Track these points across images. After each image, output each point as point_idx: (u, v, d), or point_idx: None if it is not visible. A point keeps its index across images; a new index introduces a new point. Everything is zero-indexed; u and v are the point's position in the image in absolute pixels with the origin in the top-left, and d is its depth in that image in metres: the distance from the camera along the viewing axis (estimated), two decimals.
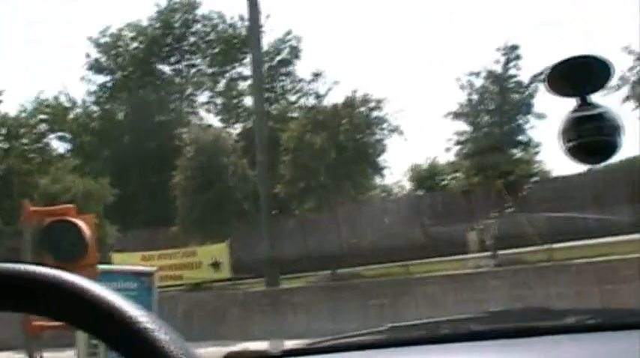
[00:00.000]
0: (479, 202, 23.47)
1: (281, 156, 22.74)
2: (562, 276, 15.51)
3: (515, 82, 24.81)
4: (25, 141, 36.40)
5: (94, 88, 39.67)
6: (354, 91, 23.21)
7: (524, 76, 24.72)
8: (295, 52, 38.16)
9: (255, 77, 24.80)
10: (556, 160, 25.49)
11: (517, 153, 25.06)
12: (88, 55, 39.21)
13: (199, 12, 39.54)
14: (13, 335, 8.39)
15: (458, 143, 25.63)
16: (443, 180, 34.71)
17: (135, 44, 39.69)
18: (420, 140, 55.78)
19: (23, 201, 6.43)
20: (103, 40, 39.30)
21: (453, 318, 2.27)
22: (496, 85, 24.67)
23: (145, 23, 39.29)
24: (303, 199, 22.05)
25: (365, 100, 23.00)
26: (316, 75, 37.49)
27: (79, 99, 40.05)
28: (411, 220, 25.32)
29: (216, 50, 39.83)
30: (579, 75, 1.80)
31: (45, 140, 37.95)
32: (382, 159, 23.77)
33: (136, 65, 38.91)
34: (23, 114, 37.29)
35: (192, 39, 39.58)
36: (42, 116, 38.13)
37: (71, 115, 39.48)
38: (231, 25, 39.90)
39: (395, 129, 23.32)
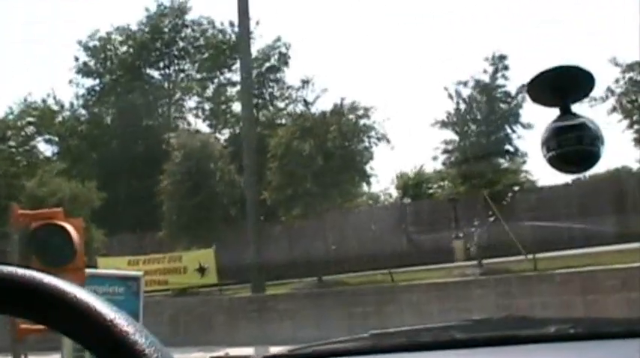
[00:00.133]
0: (465, 211, 23.54)
1: (268, 163, 22.71)
2: (546, 286, 15.58)
3: (502, 91, 24.92)
4: (11, 143, 36.23)
5: (82, 91, 39.61)
6: (343, 99, 23.22)
7: (511, 86, 24.86)
8: (284, 59, 38.15)
9: (244, 83, 24.78)
10: (543, 170, 25.58)
11: (504, 162, 25.15)
12: (76, 59, 39.19)
13: (189, 17, 39.56)
14: None
15: (445, 151, 25.74)
16: (430, 188, 34.74)
17: (124, 48, 39.62)
18: (408, 148, 55.95)
19: (11, 204, 6.40)
20: (91, 44, 39.27)
21: (433, 326, 2.28)
22: (484, 94, 24.78)
23: (134, 27, 39.28)
24: (290, 206, 22.01)
25: (353, 108, 23.01)
26: (305, 82, 37.50)
27: (66, 102, 39.97)
28: (398, 228, 25.36)
29: (205, 55, 39.80)
30: (561, 84, 1.81)
31: (32, 143, 37.77)
32: (369, 167, 23.81)
33: (125, 69, 38.81)
34: (10, 117, 37.13)
35: (181, 44, 39.52)
36: (29, 119, 37.93)
37: (59, 118, 39.29)
38: (220, 31, 39.91)
39: (382, 137, 23.35)
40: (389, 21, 54.39)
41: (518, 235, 19.53)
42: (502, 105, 24.72)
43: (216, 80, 40.31)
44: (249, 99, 25.24)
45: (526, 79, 1.89)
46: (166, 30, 39.07)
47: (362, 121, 22.99)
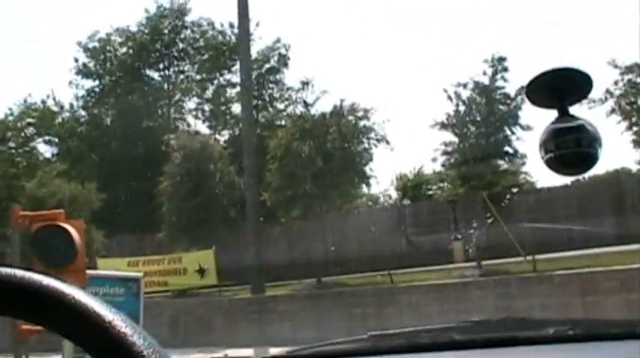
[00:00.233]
0: (464, 212, 23.54)
1: (268, 164, 22.71)
2: (545, 287, 15.57)
3: (502, 93, 24.87)
4: (11, 144, 36.21)
5: (81, 92, 39.57)
6: (342, 100, 23.23)
7: (511, 88, 24.81)
8: (284, 60, 38.11)
9: (244, 84, 24.78)
10: (542, 172, 25.57)
11: (503, 164, 25.12)
12: (76, 60, 39.16)
13: (188, 18, 39.52)
14: None
15: (444, 153, 25.68)
16: (429, 189, 34.77)
17: (123, 49, 39.60)
18: (407, 150, 56.00)
19: (12, 205, 6.40)
20: (91, 45, 39.23)
21: (432, 327, 2.28)
22: (483, 96, 24.73)
23: (134, 29, 39.24)
24: (289, 207, 22.01)
25: (352, 109, 23.02)
26: (304, 83, 37.35)
27: (66, 103, 39.95)
28: (397, 229, 25.37)
29: (205, 57, 39.76)
30: (559, 87, 1.82)
31: (32, 144, 37.75)
32: (369, 168, 23.83)
33: (125, 70, 38.79)
34: (10, 118, 37.09)
35: (181, 45, 39.49)
36: (29, 120, 37.90)
37: (59, 119, 39.27)
38: (220, 32, 39.85)
39: (382, 139, 23.36)
40: (388, 23, 54.48)
41: (517, 236, 19.54)
42: (501, 107, 24.67)
43: (215, 81, 40.27)
44: (249, 101, 25.23)
45: (525, 80, 1.89)
46: (166, 31, 39.04)
47: (361, 123, 23.00)
